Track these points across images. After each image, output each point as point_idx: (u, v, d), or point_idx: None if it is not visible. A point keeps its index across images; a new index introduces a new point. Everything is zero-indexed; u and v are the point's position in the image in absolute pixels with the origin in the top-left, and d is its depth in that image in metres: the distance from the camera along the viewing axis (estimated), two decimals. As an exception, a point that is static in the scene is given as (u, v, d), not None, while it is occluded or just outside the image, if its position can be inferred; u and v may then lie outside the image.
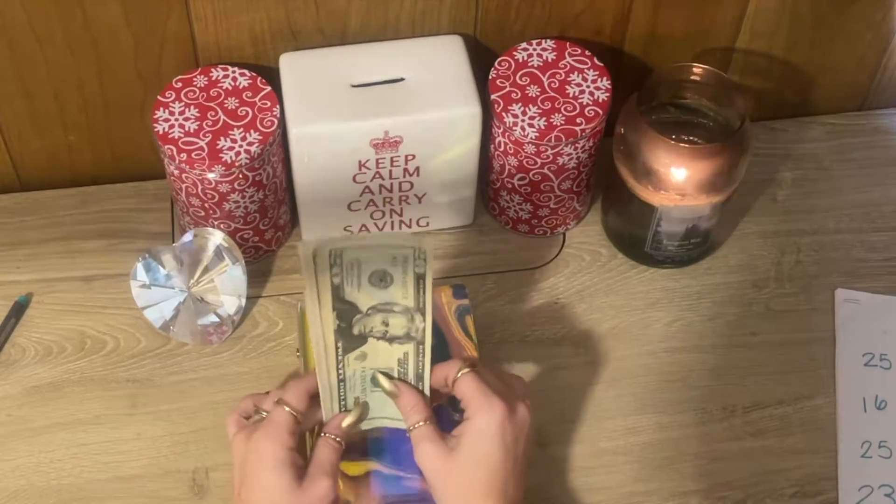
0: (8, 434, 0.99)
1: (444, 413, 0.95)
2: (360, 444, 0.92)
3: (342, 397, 0.87)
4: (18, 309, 1.05)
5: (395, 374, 0.87)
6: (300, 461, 0.84)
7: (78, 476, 0.97)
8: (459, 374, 0.85)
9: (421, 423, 0.84)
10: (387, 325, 0.86)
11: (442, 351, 1.00)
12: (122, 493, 0.97)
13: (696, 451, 1.00)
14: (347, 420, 0.86)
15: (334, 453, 0.85)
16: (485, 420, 0.83)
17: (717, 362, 1.05)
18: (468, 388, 0.85)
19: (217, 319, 1.03)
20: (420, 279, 0.85)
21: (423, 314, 0.85)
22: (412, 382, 0.87)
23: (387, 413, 0.88)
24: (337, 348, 0.86)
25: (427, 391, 0.87)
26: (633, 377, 1.03)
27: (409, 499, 0.90)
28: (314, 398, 0.87)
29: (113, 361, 1.03)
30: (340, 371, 0.86)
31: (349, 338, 0.86)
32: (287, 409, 0.85)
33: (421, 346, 0.86)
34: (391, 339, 0.86)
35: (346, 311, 0.85)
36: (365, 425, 0.88)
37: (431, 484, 0.84)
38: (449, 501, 0.83)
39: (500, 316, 1.06)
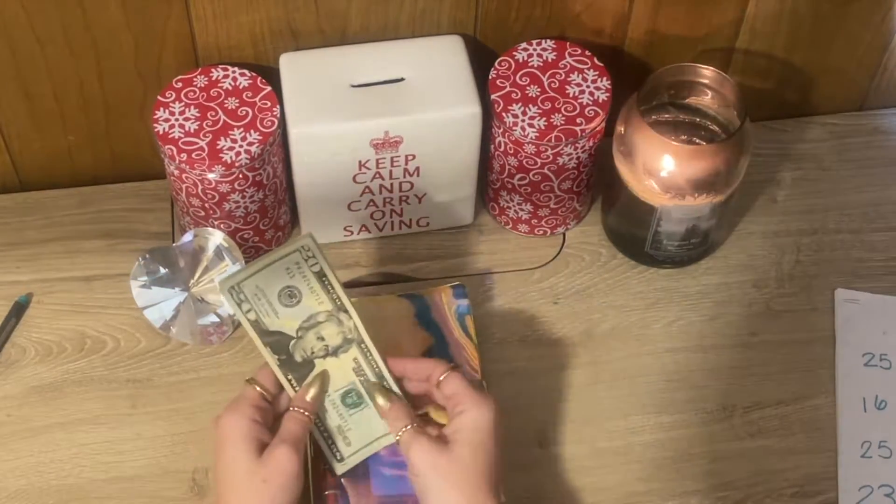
0: (8, 434, 0.99)
1: None
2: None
3: (323, 430, 0.89)
4: (18, 309, 1.05)
5: (358, 386, 0.88)
6: (267, 437, 0.85)
7: (78, 476, 0.97)
8: (446, 375, 0.87)
9: (409, 427, 0.86)
10: (322, 339, 0.87)
11: (442, 351, 1.00)
12: (122, 493, 0.97)
13: (696, 451, 1.00)
14: (311, 392, 0.87)
15: (299, 425, 0.86)
16: (480, 413, 0.85)
17: (717, 362, 1.05)
18: (458, 386, 0.86)
19: (217, 319, 1.03)
20: (322, 277, 0.86)
21: (346, 310, 0.87)
22: (375, 384, 0.88)
23: (374, 434, 0.89)
24: (290, 381, 0.87)
25: (392, 382, 0.88)
26: (633, 377, 1.03)
27: (409, 499, 0.90)
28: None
29: (113, 361, 1.03)
30: None
31: (296, 367, 0.87)
32: (256, 387, 0.86)
33: (363, 345, 0.88)
34: (335, 351, 0.87)
35: (278, 343, 0.86)
36: (359, 456, 0.89)
37: (428, 482, 0.84)
38: (449, 498, 0.83)
39: (500, 316, 1.06)
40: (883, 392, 1.03)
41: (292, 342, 0.87)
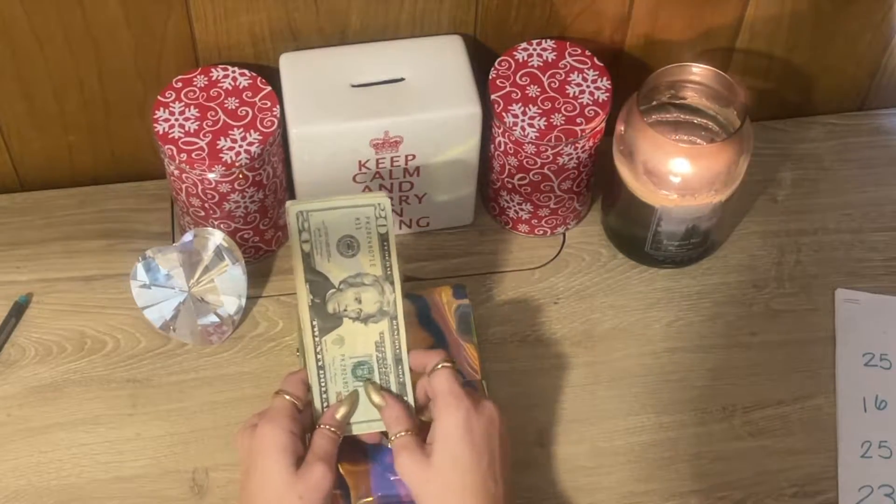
0: (8, 434, 0.99)
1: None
2: (360, 446, 0.92)
3: (323, 387, 0.87)
4: (18, 309, 1.05)
5: (375, 362, 0.87)
6: (302, 450, 0.84)
7: (78, 476, 0.97)
8: (438, 367, 0.86)
9: (402, 434, 0.85)
10: (360, 301, 0.86)
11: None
12: (122, 493, 0.97)
13: (696, 451, 1.00)
14: (341, 411, 0.87)
15: (330, 443, 0.85)
16: (450, 421, 0.83)
17: (717, 362, 1.05)
18: (440, 383, 0.85)
19: (217, 319, 1.03)
20: (384, 240, 0.85)
21: (392, 283, 0.86)
22: (392, 367, 0.87)
23: (370, 415, 0.88)
24: (313, 327, 0.86)
25: (407, 373, 0.87)
26: (633, 377, 1.03)
27: (409, 499, 0.90)
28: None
29: (113, 361, 1.03)
30: (319, 356, 0.87)
31: (324, 316, 0.86)
32: (287, 396, 0.86)
33: (395, 322, 0.87)
34: (366, 319, 0.86)
35: (318, 285, 0.85)
36: (365, 428, 0.88)
37: (415, 493, 0.84)
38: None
39: (500, 316, 1.06)
40: (883, 392, 1.03)
41: (331, 291, 0.86)
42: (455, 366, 0.87)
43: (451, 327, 1.01)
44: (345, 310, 0.87)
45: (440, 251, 1.10)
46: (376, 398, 0.87)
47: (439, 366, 0.86)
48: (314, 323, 0.86)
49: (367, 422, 0.88)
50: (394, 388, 0.88)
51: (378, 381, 0.88)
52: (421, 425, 0.87)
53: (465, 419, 0.83)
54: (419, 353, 0.88)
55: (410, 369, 0.88)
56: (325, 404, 0.88)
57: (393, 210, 1.07)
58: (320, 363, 0.87)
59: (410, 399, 0.88)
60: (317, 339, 0.87)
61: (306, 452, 0.85)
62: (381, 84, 1.01)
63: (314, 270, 0.86)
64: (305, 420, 0.87)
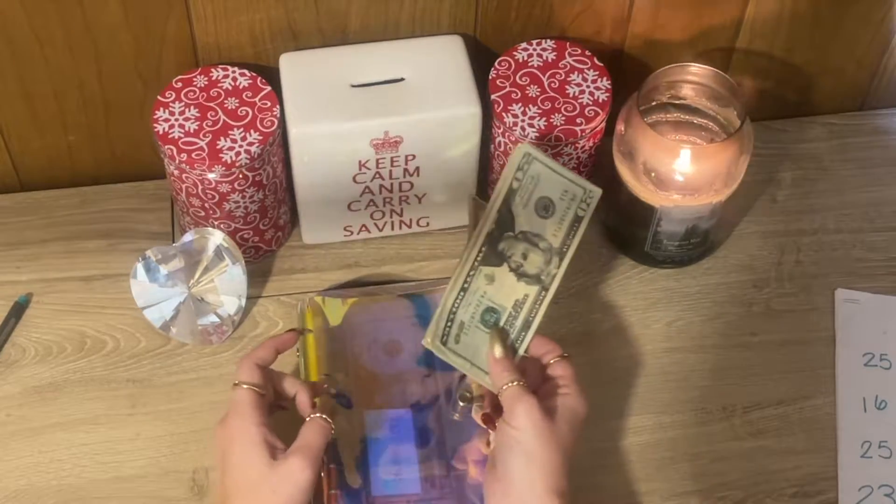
0: (8, 434, 0.99)
1: (445, 410, 0.95)
2: (360, 448, 0.92)
3: (454, 307, 0.88)
4: (18, 309, 1.05)
5: (506, 316, 0.89)
6: (273, 439, 0.84)
7: (78, 476, 0.97)
8: (559, 358, 0.88)
9: (517, 381, 0.85)
10: (525, 258, 0.89)
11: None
12: (122, 493, 0.97)
13: (696, 451, 1.00)
14: (331, 390, 0.89)
15: (319, 435, 0.85)
16: (581, 402, 0.86)
17: (717, 362, 1.05)
18: (569, 371, 0.88)
19: (217, 319, 1.03)
20: (576, 222, 0.89)
21: (562, 260, 0.89)
22: (517, 329, 0.89)
23: (479, 358, 0.88)
24: (480, 251, 0.88)
25: (527, 341, 0.89)
26: (633, 377, 1.03)
27: (409, 499, 0.91)
28: (265, 370, 0.88)
29: (113, 361, 1.03)
30: (468, 280, 0.88)
31: (493, 250, 0.88)
32: (245, 386, 0.85)
33: (543, 293, 0.89)
34: (521, 275, 0.89)
35: (503, 221, 0.88)
36: (452, 360, 0.88)
37: (524, 442, 0.83)
38: (541, 463, 0.82)
39: (500, 316, 1.06)
40: (883, 392, 1.03)
41: (509, 233, 0.88)
42: (572, 359, 0.89)
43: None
44: (510, 256, 0.89)
45: (440, 251, 1.10)
46: (498, 349, 0.87)
47: (558, 358, 0.88)
48: (483, 248, 0.88)
49: (459, 357, 0.88)
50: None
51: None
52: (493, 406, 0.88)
53: (586, 412, 0.87)
54: (544, 341, 0.90)
55: (526, 350, 0.89)
56: (448, 324, 0.88)
57: (393, 210, 1.07)
58: (466, 285, 0.88)
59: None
60: (476, 262, 0.88)
61: (281, 441, 0.85)
62: (381, 84, 1.01)
63: (508, 207, 0.88)
64: (269, 401, 0.87)
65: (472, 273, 0.88)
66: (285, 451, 0.84)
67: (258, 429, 0.84)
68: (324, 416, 0.86)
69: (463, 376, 0.97)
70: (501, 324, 0.88)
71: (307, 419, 0.86)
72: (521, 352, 0.89)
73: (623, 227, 1.09)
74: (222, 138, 0.98)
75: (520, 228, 0.88)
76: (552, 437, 0.83)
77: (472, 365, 0.88)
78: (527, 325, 0.89)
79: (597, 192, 0.90)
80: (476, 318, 0.88)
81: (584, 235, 0.90)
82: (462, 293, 0.88)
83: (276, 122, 0.99)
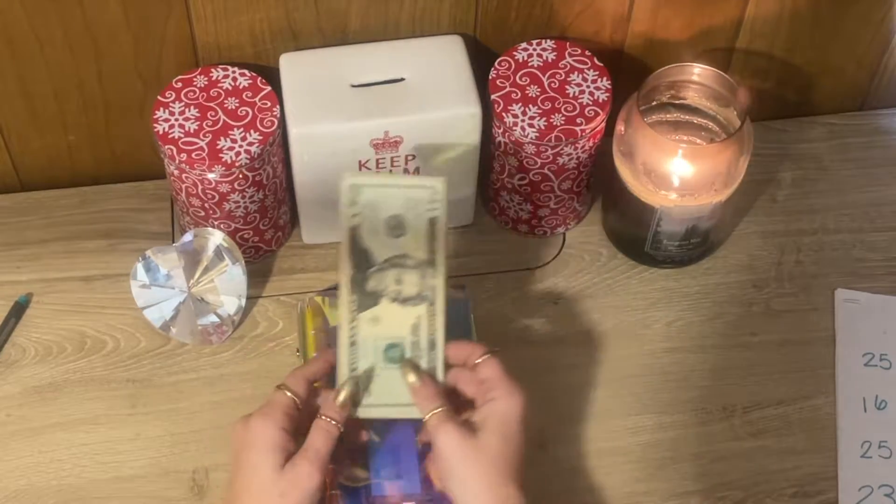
0: (8, 434, 0.99)
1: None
2: (361, 450, 0.92)
3: (353, 364, 0.86)
4: (18, 309, 1.05)
5: (408, 345, 0.86)
6: (293, 448, 0.84)
7: (78, 476, 0.97)
8: (484, 358, 0.86)
9: (440, 409, 0.84)
10: (400, 283, 0.85)
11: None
12: (122, 493, 0.97)
13: (696, 451, 1.00)
14: (340, 397, 0.86)
15: (326, 438, 0.84)
16: (510, 403, 0.84)
17: (717, 362, 1.05)
18: (494, 371, 0.85)
19: (217, 319, 1.03)
20: (433, 225, 0.85)
21: (436, 268, 0.85)
22: (425, 351, 0.86)
23: (396, 398, 0.86)
24: (351, 302, 0.85)
25: (440, 358, 0.86)
26: (633, 377, 1.03)
27: (409, 499, 0.90)
28: (312, 387, 0.87)
29: (113, 361, 1.03)
30: (353, 332, 0.86)
31: (363, 293, 0.85)
32: (287, 392, 0.85)
33: (433, 307, 0.86)
34: (404, 301, 0.86)
35: (361, 260, 0.85)
36: (375, 413, 0.87)
37: (453, 467, 0.83)
38: (474, 485, 0.82)
39: (500, 316, 1.06)
40: (883, 392, 1.03)
41: (373, 269, 0.85)
42: (499, 355, 0.87)
43: (451, 327, 1.01)
44: (384, 289, 0.86)
45: (440, 251, 1.10)
46: (412, 377, 0.86)
47: (486, 355, 0.86)
48: (353, 297, 0.86)
49: (378, 406, 0.87)
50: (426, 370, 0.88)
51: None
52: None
53: (522, 405, 0.85)
54: (460, 345, 0.88)
55: (446, 359, 0.87)
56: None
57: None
58: (353, 339, 0.86)
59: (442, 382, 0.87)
60: (354, 313, 0.86)
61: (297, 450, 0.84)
62: (381, 84, 1.01)
63: (359, 246, 0.85)
64: (302, 419, 0.87)
65: (353, 325, 0.86)
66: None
67: (280, 432, 0.83)
68: (330, 418, 0.85)
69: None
70: (407, 352, 0.86)
71: (316, 419, 0.86)
72: (439, 372, 0.87)
73: (623, 227, 1.09)
74: (222, 138, 0.98)
75: (381, 259, 0.85)
76: (479, 456, 0.82)
77: (397, 405, 0.86)
78: (432, 345, 0.87)
79: (439, 183, 0.85)
80: (380, 361, 0.86)
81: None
82: (353, 348, 0.86)
83: (276, 122, 0.99)
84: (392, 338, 0.86)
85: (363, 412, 0.87)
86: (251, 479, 0.83)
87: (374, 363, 0.87)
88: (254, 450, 0.83)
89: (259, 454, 0.83)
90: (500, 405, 0.84)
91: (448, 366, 0.87)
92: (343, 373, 0.86)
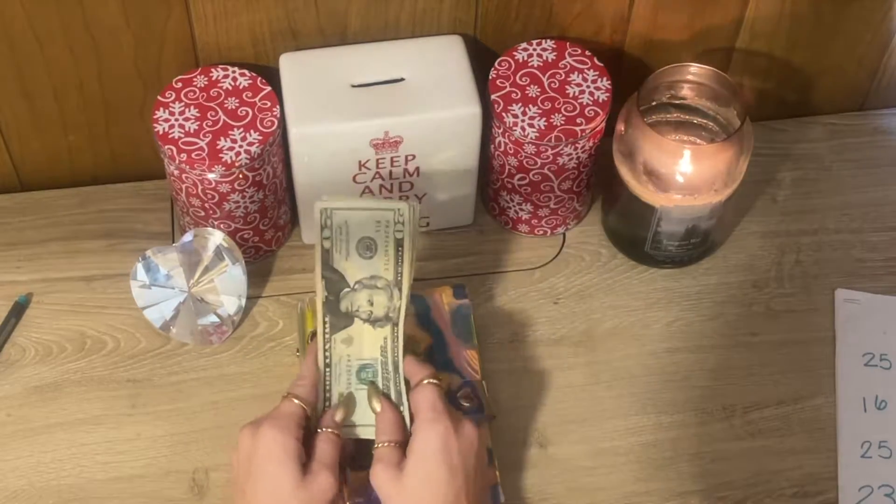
0: (8, 434, 0.99)
1: None
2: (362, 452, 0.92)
3: (327, 387, 0.88)
4: (18, 309, 1.05)
5: (380, 366, 0.87)
6: (305, 456, 0.84)
7: (78, 476, 0.97)
8: (424, 382, 0.86)
9: (385, 444, 0.85)
10: (371, 303, 0.87)
11: (441, 351, 1.00)
12: (122, 493, 0.97)
13: (696, 451, 1.00)
14: (339, 413, 0.87)
15: (334, 447, 0.85)
16: (429, 436, 0.83)
17: (717, 362, 1.05)
18: (423, 399, 0.85)
19: (217, 319, 1.03)
20: (399, 246, 0.86)
21: (401, 290, 0.86)
22: (391, 373, 0.87)
23: (370, 419, 0.88)
24: (325, 324, 0.87)
25: (402, 384, 0.87)
26: (633, 377, 1.03)
27: None
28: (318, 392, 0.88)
29: (113, 361, 1.03)
30: (327, 354, 0.87)
31: (337, 314, 0.87)
32: (296, 401, 0.85)
33: (396, 328, 0.87)
34: (374, 322, 0.87)
35: (334, 283, 0.86)
36: (353, 433, 0.88)
37: None
38: None
39: (500, 316, 1.06)
40: (883, 392, 1.03)
41: (345, 290, 0.87)
42: (442, 383, 0.87)
43: (451, 327, 1.01)
44: (357, 310, 0.87)
45: (440, 251, 1.10)
46: (375, 403, 0.87)
47: (424, 381, 0.86)
48: (326, 319, 0.87)
49: (365, 426, 0.88)
50: (393, 395, 0.88)
51: (381, 387, 0.88)
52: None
53: (443, 437, 0.83)
54: (410, 363, 0.88)
55: (408, 388, 0.88)
56: (326, 403, 0.88)
57: (393, 210, 1.07)
58: (328, 360, 0.88)
59: (406, 410, 0.88)
60: (327, 335, 0.87)
61: (307, 457, 0.85)
62: (381, 84, 1.01)
63: (332, 268, 0.86)
64: (311, 426, 0.87)
65: (327, 347, 0.87)
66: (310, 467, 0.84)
67: (296, 444, 0.83)
68: (333, 430, 0.86)
69: (465, 379, 0.98)
70: (379, 373, 0.88)
71: (319, 432, 0.86)
72: (405, 397, 0.87)
73: (623, 227, 1.09)
74: (222, 138, 0.98)
75: (353, 280, 0.87)
76: (398, 499, 0.82)
77: (369, 427, 0.87)
78: (396, 367, 0.88)
79: (405, 206, 0.86)
80: (353, 382, 0.88)
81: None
82: (328, 369, 0.87)
83: (276, 122, 0.99)
84: (365, 359, 0.88)
85: (352, 432, 0.88)
86: (271, 490, 0.82)
87: (349, 383, 0.88)
88: (272, 461, 0.83)
89: (279, 465, 0.82)
90: (418, 439, 0.83)
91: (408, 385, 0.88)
92: (318, 397, 0.88)
